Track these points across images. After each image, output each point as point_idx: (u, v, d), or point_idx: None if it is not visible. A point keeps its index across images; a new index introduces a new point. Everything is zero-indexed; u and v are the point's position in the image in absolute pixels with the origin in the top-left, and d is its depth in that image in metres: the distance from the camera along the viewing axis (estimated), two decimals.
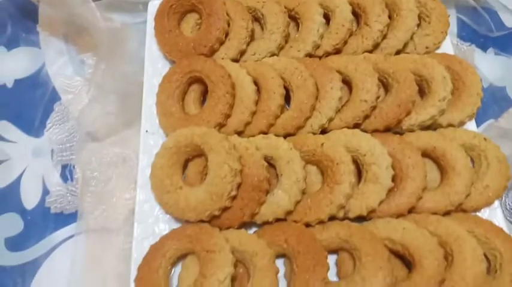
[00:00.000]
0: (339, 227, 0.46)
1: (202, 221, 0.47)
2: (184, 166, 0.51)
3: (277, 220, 0.47)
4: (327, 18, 0.58)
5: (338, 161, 0.48)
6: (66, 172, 0.55)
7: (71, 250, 0.50)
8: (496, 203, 0.50)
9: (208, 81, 0.53)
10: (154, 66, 0.57)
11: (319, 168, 0.50)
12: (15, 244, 0.52)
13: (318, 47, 0.57)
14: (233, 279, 0.43)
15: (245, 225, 0.48)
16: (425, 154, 0.51)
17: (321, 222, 0.47)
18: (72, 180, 0.55)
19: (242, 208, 0.47)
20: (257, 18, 0.59)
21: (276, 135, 0.51)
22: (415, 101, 0.53)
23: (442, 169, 0.50)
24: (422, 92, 0.55)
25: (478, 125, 0.54)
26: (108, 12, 0.62)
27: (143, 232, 0.48)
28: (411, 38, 0.58)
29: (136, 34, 0.62)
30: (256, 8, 0.58)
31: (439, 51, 0.59)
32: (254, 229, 0.48)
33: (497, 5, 0.68)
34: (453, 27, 0.67)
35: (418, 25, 0.59)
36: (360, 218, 0.48)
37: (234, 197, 0.47)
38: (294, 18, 0.59)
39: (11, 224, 0.53)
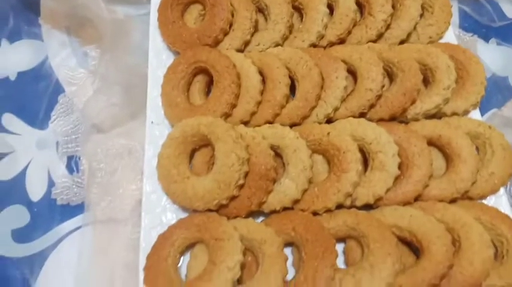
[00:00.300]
0: (347, 215, 0.47)
1: (209, 210, 0.47)
2: (191, 156, 0.51)
3: (285, 208, 0.48)
4: (331, 8, 0.58)
5: (344, 149, 0.48)
6: (72, 164, 0.55)
7: (78, 241, 0.50)
8: (502, 190, 0.50)
9: (214, 71, 0.53)
10: (159, 58, 0.57)
11: (326, 157, 0.50)
12: (22, 235, 0.52)
13: (322, 37, 0.57)
14: (242, 267, 0.43)
15: (252, 214, 0.48)
16: (430, 143, 0.51)
17: (328, 210, 0.47)
18: (78, 171, 0.54)
19: (250, 197, 0.47)
20: (261, 9, 0.59)
21: (282, 125, 0.51)
22: (420, 90, 0.53)
23: (448, 157, 0.51)
24: (426, 81, 0.55)
25: (482, 114, 0.55)
26: (111, 3, 0.62)
27: (151, 221, 0.47)
28: (414, 28, 0.58)
29: (140, 26, 0.62)
30: None
31: (442, 41, 0.59)
32: (261, 218, 0.49)
33: None
34: (455, 18, 0.67)
35: (421, 15, 0.59)
36: (367, 207, 0.48)
37: (241, 186, 0.47)
38: (298, 9, 0.59)
39: (17, 216, 0.53)
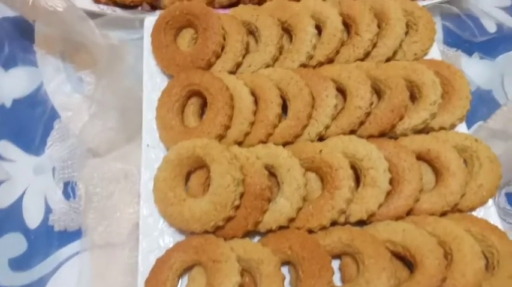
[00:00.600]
0: (341, 232, 0.47)
1: (206, 232, 0.47)
2: (187, 178, 0.51)
3: (280, 227, 0.48)
4: (319, 29, 0.60)
5: (336, 166, 0.49)
6: (69, 189, 0.56)
7: (77, 267, 0.50)
8: (490, 202, 0.51)
9: (207, 93, 0.54)
10: (153, 81, 0.58)
11: (319, 175, 0.51)
12: (19, 264, 0.52)
13: (311, 57, 0.58)
14: None
15: (249, 234, 0.49)
16: (419, 157, 0.52)
17: (323, 228, 0.48)
18: (74, 197, 0.55)
19: (246, 217, 0.47)
20: (251, 32, 0.61)
21: (275, 144, 0.52)
22: (408, 106, 0.55)
23: (437, 171, 0.52)
24: (413, 97, 0.57)
25: (468, 127, 0.56)
26: (104, 29, 0.63)
27: (148, 245, 0.48)
28: (400, 45, 0.60)
29: (134, 50, 0.63)
30: (250, 21, 0.60)
31: (427, 57, 0.61)
32: (258, 238, 0.49)
33: (479, 12, 0.72)
34: (439, 34, 0.70)
35: (406, 33, 0.61)
36: (361, 223, 0.49)
37: (237, 207, 0.47)
38: (287, 30, 0.61)
39: (14, 244, 0.53)
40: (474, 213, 0.51)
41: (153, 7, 0.67)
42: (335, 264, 0.47)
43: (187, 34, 0.61)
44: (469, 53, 0.69)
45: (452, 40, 0.70)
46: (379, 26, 0.60)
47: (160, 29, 0.59)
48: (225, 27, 0.58)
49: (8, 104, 0.63)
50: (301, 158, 0.51)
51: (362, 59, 0.59)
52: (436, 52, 0.61)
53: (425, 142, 0.53)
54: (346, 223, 0.49)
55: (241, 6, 0.64)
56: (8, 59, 0.65)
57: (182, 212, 0.48)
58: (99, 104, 0.58)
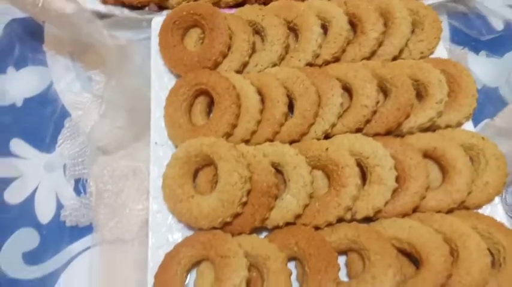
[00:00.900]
0: (347, 229, 0.48)
1: (214, 228, 0.48)
2: (195, 176, 0.52)
3: (287, 224, 0.49)
4: (325, 28, 0.60)
5: (343, 164, 0.50)
6: (79, 186, 0.57)
7: (88, 262, 0.51)
8: (497, 199, 0.51)
9: (214, 93, 0.55)
10: (161, 81, 0.59)
11: (325, 172, 0.52)
12: (32, 257, 0.53)
13: (317, 56, 0.59)
14: (247, 283, 0.45)
15: (256, 230, 0.49)
16: (426, 155, 0.53)
17: (329, 224, 0.49)
18: (85, 193, 0.56)
19: (253, 214, 0.48)
20: (257, 31, 0.61)
21: (282, 142, 0.53)
22: (414, 105, 0.55)
23: (443, 169, 0.52)
24: (420, 96, 0.57)
25: (474, 125, 0.56)
26: (112, 30, 0.64)
27: (158, 241, 0.49)
28: (406, 44, 0.60)
29: (141, 50, 0.64)
30: (256, 21, 0.60)
31: (433, 56, 0.61)
32: (265, 234, 0.50)
33: (486, 10, 0.72)
34: (446, 33, 0.70)
35: (412, 32, 0.61)
36: (367, 219, 0.49)
37: (244, 204, 0.48)
38: (293, 30, 0.61)
39: (27, 238, 0.54)
40: (480, 210, 0.51)
41: (161, 7, 0.68)
42: (341, 260, 0.48)
43: (194, 34, 0.62)
44: (476, 51, 0.69)
45: (459, 38, 0.70)
46: (385, 25, 0.60)
47: (167, 29, 0.60)
48: (231, 27, 0.59)
49: (19, 103, 0.64)
50: (307, 156, 0.51)
51: (368, 58, 0.59)
52: (442, 51, 0.61)
53: (432, 140, 0.53)
54: (352, 219, 0.49)
55: (247, 6, 0.64)
56: (19, 59, 0.67)
57: (191, 208, 0.48)
58: (108, 103, 0.59)
